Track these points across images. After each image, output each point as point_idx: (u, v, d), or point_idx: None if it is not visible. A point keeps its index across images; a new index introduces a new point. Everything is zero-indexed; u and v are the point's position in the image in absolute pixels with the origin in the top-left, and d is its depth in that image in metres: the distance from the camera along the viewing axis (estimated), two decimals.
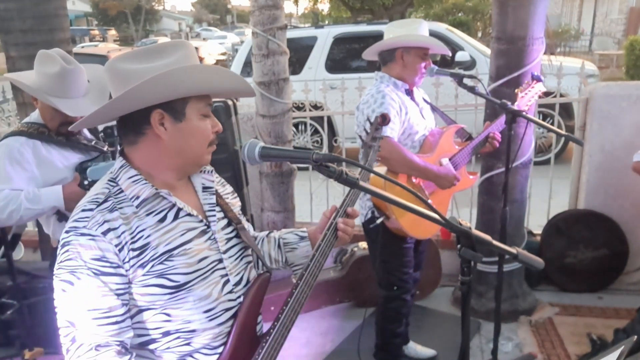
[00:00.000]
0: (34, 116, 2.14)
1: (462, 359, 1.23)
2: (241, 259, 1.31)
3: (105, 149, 2.19)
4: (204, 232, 1.23)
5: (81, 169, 2.06)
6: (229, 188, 1.44)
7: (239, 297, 1.26)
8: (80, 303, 1.07)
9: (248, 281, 1.31)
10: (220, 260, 1.24)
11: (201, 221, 1.23)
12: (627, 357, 1.15)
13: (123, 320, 1.11)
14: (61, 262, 1.09)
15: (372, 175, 2.36)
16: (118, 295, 1.09)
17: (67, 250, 1.08)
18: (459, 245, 1.09)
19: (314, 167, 1.10)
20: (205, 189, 1.29)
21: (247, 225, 1.41)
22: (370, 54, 2.55)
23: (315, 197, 3.98)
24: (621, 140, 3.36)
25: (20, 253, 3.77)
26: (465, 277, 1.13)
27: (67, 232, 1.11)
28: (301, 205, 3.85)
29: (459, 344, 1.21)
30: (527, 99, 2.47)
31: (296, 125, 6.32)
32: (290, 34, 4.74)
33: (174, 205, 1.19)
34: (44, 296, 3.01)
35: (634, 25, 18.17)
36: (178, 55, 1.17)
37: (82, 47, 19.69)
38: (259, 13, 3.01)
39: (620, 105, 3.33)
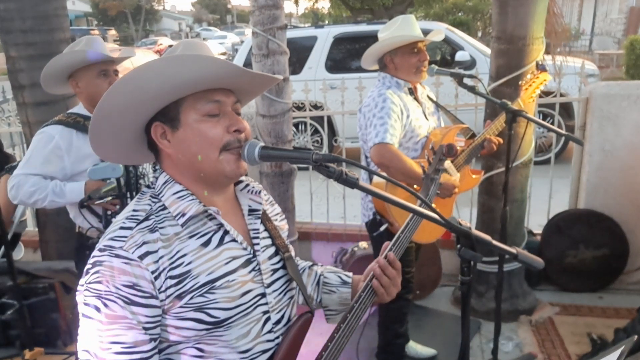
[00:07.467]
0: (76, 108, 2.25)
1: (462, 358, 1.22)
2: (285, 294, 1.16)
3: None
4: (248, 262, 1.09)
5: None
6: (278, 208, 1.29)
7: (277, 337, 1.12)
8: (104, 333, 0.95)
9: (289, 320, 1.16)
10: (264, 295, 1.10)
11: (246, 249, 1.10)
12: (627, 357, 1.15)
13: (149, 357, 0.98)
14: (89, 282, 0.96)
15: (375, 178, 2.38)
16: (147, 329, 0.97)
17: (97, 272, 0.95)
18: (458, 245, 1.09)
19: (313, 168, 1.05)
20: (251, 211, 1.15)
21: (294, 253, 1.26)
22: (366, 63, 2.53)
23: (315, 197, 3.98)
24: (621, 140, 3.36)
25: (20, 253, 3.77)
26: (465, 277, 1.13)
27: (100, 250, 0.98)
28: (301, 205, 3.85)
29: (459, 344, 1.21)
30: (530, 91, 2.46)
31: (296, 125, 6.33)
32: (290, 33, 4.74)
33: (219, 227, 1.07)
34: (44, 296, 3.01)
35: (634, 25, 18.16)
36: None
37: None
38: (259, 13, 3.01)
39: (621, 105, 3.33)
